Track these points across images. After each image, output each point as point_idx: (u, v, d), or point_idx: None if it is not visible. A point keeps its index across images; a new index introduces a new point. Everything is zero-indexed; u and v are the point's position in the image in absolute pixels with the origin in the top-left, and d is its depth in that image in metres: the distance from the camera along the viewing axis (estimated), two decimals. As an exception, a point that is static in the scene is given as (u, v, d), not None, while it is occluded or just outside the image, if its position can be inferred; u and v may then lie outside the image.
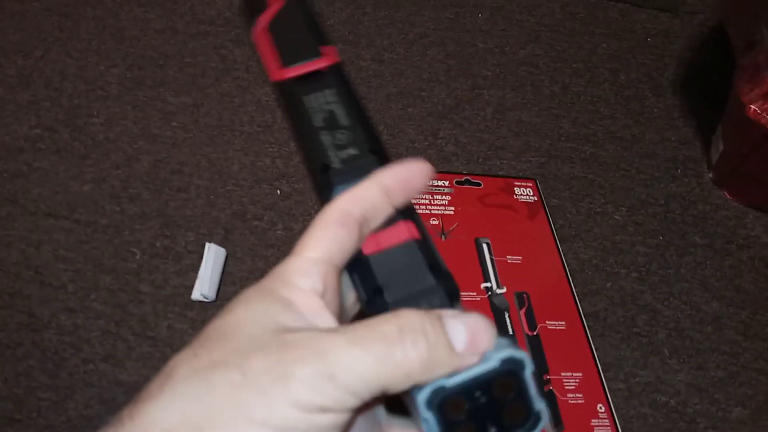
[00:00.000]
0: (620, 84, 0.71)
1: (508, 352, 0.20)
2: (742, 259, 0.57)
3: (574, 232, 0.58)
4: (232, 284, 0.52)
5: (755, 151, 0.57)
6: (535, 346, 0.48)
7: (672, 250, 0.57)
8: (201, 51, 0.69)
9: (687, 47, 0.76)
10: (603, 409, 0.45)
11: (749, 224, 0.60)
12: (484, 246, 0.53)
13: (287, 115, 0.27)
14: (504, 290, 0.51)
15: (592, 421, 0.45)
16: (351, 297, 0.26)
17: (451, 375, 0.19)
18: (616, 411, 0.45)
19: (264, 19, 0.27)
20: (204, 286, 0.50)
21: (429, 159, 0.61)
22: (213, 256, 0.52)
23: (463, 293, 0.48)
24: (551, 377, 0.46)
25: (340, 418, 0.19)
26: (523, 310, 0.50)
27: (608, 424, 0.45)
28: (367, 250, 0.23)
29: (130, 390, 0.46)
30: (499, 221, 0.55)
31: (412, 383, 0.19)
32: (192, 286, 0.51)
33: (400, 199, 0.24)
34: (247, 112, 0.64)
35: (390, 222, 0.24)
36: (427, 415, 0.19)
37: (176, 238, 0.54)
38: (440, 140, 0.64)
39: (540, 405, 0.20)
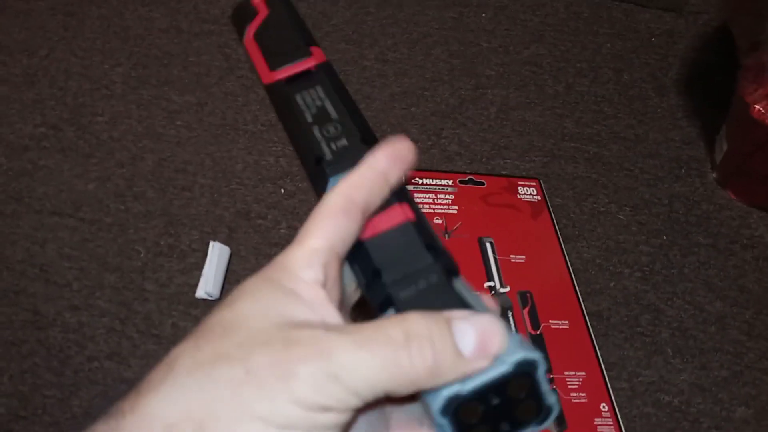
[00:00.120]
0: (624, 84, 0.71)
1: (522, 354, 0.19)
2: (746, 259, 0.57)
3: (577, 232, 0.58)
4: (236, 282, 0.52)
5: (759, 151, 0.56)
6: (539, 345, 0.48)
7: (675, 249, 0.57)
8: (205, 50, 0.69)
9: (691, 47, 0.76)
10: (606, 409, 0.45)
11: (753, 224, 0.60)
12: (488, 245, 0.53)
13: (280, 116, 0.28)
14: (507, 289, 0.51)
15: (596, 420, 0.45)
16: (352, 284, 0.25)
17: (464, 380, 0.19)
18: (619, 410, 0.45)
19: (252, 28, 0.28)
20: (208, 285, 0.50)
21: (432, 158, 0.62)
22: (217, 255, 0.52)
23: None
24: (554, 376, 0.46)
25: (343, 417, 0.19)
26: (527, 309, 0.50)
27: (611, 423, 0.45)
28: (364, 235, 0.24)
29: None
30: (502, 220, 0.55)
31: (418, 389, 0.19)
32: (196, 285, 0.51)
33: (395, 179, 0.24)
34: (251, 111, 0.64)
35: (385, 206, 0.24)
36: (442, 422, 0.19)
37: (180, 236, 0.54)
38: (444, 140, 0.64)
39: (551, 399, 0.20)
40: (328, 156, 0.25)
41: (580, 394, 0.46)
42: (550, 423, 0.20)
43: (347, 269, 0.25)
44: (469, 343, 0.19)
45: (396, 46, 0.72)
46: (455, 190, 0.57)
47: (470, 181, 0.58)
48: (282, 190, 0.58)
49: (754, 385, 0.49)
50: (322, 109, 0.26)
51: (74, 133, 0.61)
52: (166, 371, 0.19)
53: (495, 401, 0.19)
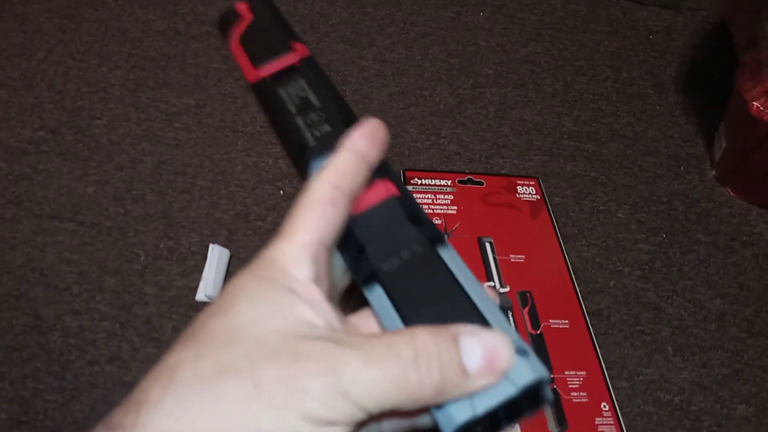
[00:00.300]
0: (622, 81, 0.71)
1: (533, 377, 0.19)
2: (745, 256, 0.57)
3: (577, 231, 0.58)
4: (236, 285, 0.52)
5: (758, 148, 0.56)
6: (539, 345, 0.48)
7: (675, 247, 0.57)
8: (203, 52, 0.69)
9: (689, 44, 0.75)
10: (607, 408, 0.45)
11: (753, 221, 0.60)
12: (487, 245, 0.53)
13: (266, 111, 0.28)
14: (507, 289, 0.51)
15: (596, 419, 0.45)
16: (340, 269, 0.25)
17: (472, 398, 0.19)
18: (620, 409, 0.46)
19: (237, 33, 0.29)
20: (208, 287, 0.50)
21: (431, 158, 0.62)
22: (217, 257, 0.52)
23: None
24: (555, 376, 0.46)
25: (348, 429, 0.19)
26: (527, 309, 0.50)
27: (612, 422, 0.45)
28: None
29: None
30: (501, 220, 0.55)
31: (424, 405, 0.19)
32: (196, 288, 0.51)
33: (374, 159, 0.24)
34: (249, 113, 0.64)
35: (367, 183, 0.24)
36: None
37: (180, 239, 0.54)
38: (443, 139, 0.64)
39: (549, 395, 0.20)
40: (311, 143, 0.25)
41: (581, 393, 0.46)
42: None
43: (337, 255, 0.25)
44: (476, 361, 0.19)
45: (394, 46, 0.72)
46: (454, 190, 0.57)
47: (469, 180, 0.58)
48: (281, 192, 0.58)
49: (754, 382, 0.49)
50: (304, 100, 0.27)
51: (73, 136, 0.61)
52: (166, 382, 0.18)
53: (501, 414, 0.20)
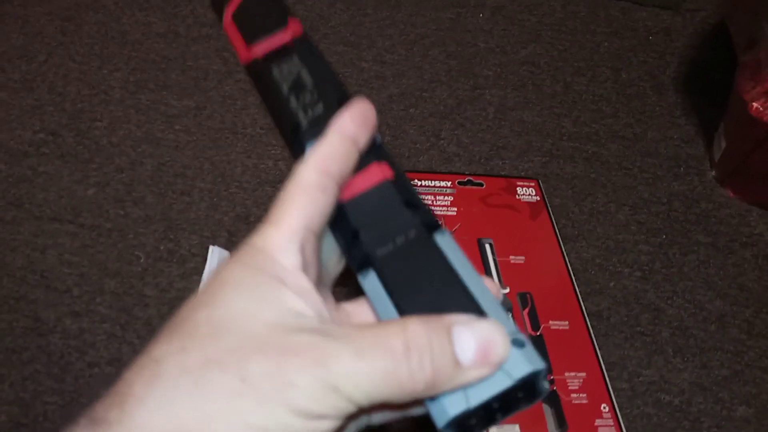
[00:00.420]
0: (622, 82, 0.71)
1: (529, 369, 0.19)
2: (745, 257, 0.57)
3: (576, 232, 0.58)
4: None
5: (758, 149, 0.56)
6: (539, 346, 0.48)
7: (675, 248, 0.57)
8: (203, 54, 0.69)
9: (688, 45, 0.75)
10: (607, 409, 0.45)
11: (753, 222, 0.60)
12: (487, 246, 0.53)
13: (259, 92, 0.27)
14: (507, 290, 0.51)
15: (596, 421, 0.45)
16: (333, 257, 0.25)
17: (466, 390, 0.19)
18: (620, 411, 0.45)
19: (230, 11, 0.28)
20: (208, 289, 0.50)
21: (431, 160, 0.62)
22: (217, 259, 0.52)
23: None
24: (555, 377, 0.46)
25: (337, 422, 0.18)
26: (527, 311, 0.50)
27: (612, 423, 0.45)
28: (342, 197, 0.23)
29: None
30: (501, 221, 0.55)
31: (416, 399, 0.19)
32: (196, 289, 0.51)
33: (363, 142, 0.23)
34: (249, 115, 0.64)
35: (362, 165, 0.24)
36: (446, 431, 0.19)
37: (180, 241, 0.54)
38: (442, 141, 0.64)
39: (545, 386, 0.20)
40: (305, 124, 0.25)
41: (581, 395, 0.46)
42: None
43: (327, 241, 0.24)
44: (469, 353, 0.18)
45: (394, 48, 0.72)
46: (454, 191, 0.57)
47: (469, 182, 0.58)
48: (281, 194, 0.58)
49: (754, 383, 0.49)
50: (298, 79, 0.26)
51: (73, 138, 0.61)
52: (151, 376, 0.18)
53: (495, 406, 0.19)
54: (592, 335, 0.49)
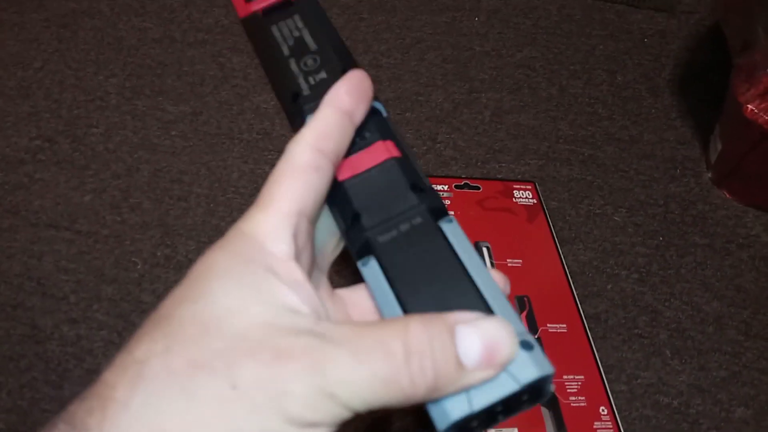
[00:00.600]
0: (617, 85, 0.71)
1: (536, 372, 0.18)
2: (742, 259, 0.57)
3: (573, 234, 0.58)
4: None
5: (753, 151, 0.57)
6: (537, 349, 0.48)
7: (672, 250, 0.57)
8: (199, 59, 0.69)
9: (684, 47, 0.76)
10: (605, 412, 0.45)
11: (749, 223, 0.60)
12: (484, 250, 0.53)
13: (256, 50, 0.25)
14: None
15: (595, 423, 0.45)
16: (332, 239, 0.23)
17: (469, 392, 0.18)
18: (618, 413, 0.45)
19: None
20: (205, 295, 0.50)
21: (428, 164, 0.62)
22: (214, 265, 0.52)
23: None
24: (553, 380, 0.46)
25: (332, 429, 0.18)
26: (524, 314, 0.50)
27: (611, 426, 0.45)
28: (344, 176, 0.21)
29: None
30: (498, 225, 0.56)
31: (416, 403, 0.18)
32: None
33: (360, 118, 0.22)
34: (246, 120, 0.64)
35: (366, 143, 0.22)
36: None
37: (177, 247, 0.54)
38: (439, 144, 0.64)
39: (551, 389, 0.19)
40: (306, 91, 0.23)
41: (579, 397, 0.46)
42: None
43: (324, 222, 0.23)
44: (474, 354, 0.17)
45: (389, 52, 0.72)
46: (451, 195, 0.57)
47: (466, 185, 0.58)
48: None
49: (752, 385, 0.49)
50: (299, 41, 0.24)
51: (69, 145, 0.61)
52: (134, 378, 0.17)
53: (499, 408, 0.18)
54: (590, 338, 0.49)
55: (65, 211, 0.56)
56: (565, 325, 0.50)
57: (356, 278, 0.24)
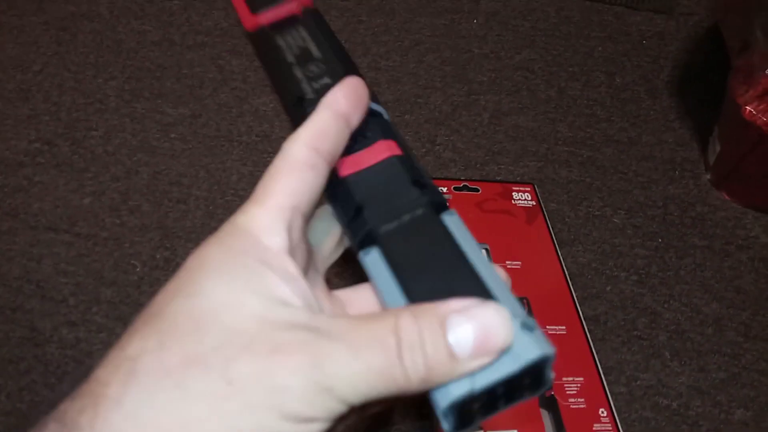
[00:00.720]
0: (616, 87, 0.71)
1: (537, 354, 0.18)
2: (741, 260, 0.57)
3: (572, 236, 0.58)
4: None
5: (752, 152, 0.57)
6: (536, 351, 0.48)
7: (671, 252, 0.57)
8: (198, 62, 0.69)
9: (682, 49, 0.76)
10: (605, 414, 0.45)
11: (748, 225, 0.60)
12: (483, 252, 0.53)
13: (261, 61, 0.26)
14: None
15: (594, 425, 0.45)
16: (328, 243, 0.24)
17: (474, 376, 0.18)
18: (618, 415, 0.45)
19: None
20: (205, 298, 0.50)
21: (427, 166, 0.62)
22: (213, 267, 0.52)
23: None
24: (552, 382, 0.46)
25: (328, 424, 0.18)
26: (523, 316, 0.50)
27: (610, 428, 0.45)
28: (346, 172, 0.22)
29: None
30: (497, 227, 0.56)
31: (411, 395, 0.18)
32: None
33: (356, 122, 0.22)
34: (245, 122, 0.64)
35: (368, 142, 0.23)
36: (447, 418, 0.18)
37: (176, 249, 0.54)
38: (438, 146, 0.64)
39: (550, 375, 0.19)
40: (310, 95, 0.23)
41: (579, 399, 0.46)
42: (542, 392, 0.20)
43: (322, 226, 0.23)
44: (466, 344, 0.17)
45: (388, 54, 0.72)
46: (450, 197, 0.57)
47: (465, 187, 0.58)
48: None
49: (752, 386, 0.49)
50: (304, 50, 0.25)
51: (69, 147, 0.61)
52: (127, 375, 0.16)
53: (500, 391, 0.18)
54: (590, 340, 0.49)
55: (64, 213, 0.56)
56: (564, 327, 0.50)
57: (356, 280, 0.24)
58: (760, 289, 0.55)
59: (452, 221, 0.22)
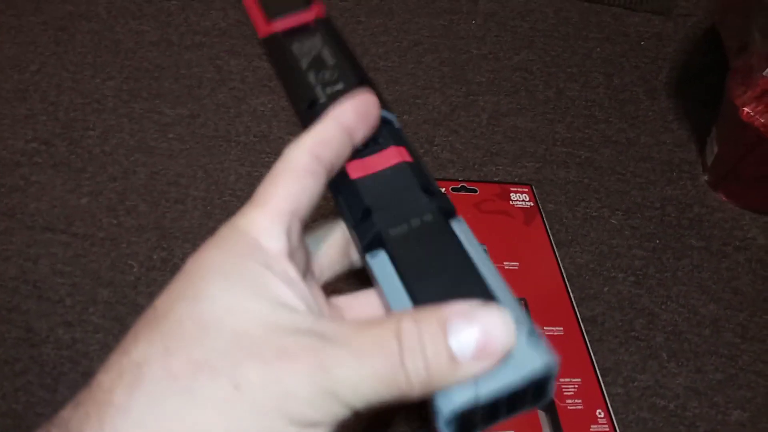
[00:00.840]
0: (614, 88, 0.71)
1: (543, 363, 0.18)
2: (739, 261, 0.57)
3: (570, 237, 0.58)
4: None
5: (750, 154, 0.57)
6: (533, 352, 0.48)
7: (669, 253, 0.57)
8: (196, 62, 0.69)
9: (680, 50, 0.76)
10: (602, 415, 0.45)
11: (746, 226, 0.60)
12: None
13: (274, 66, 0.27)
14: (501, 297, 0.51)
15: (592, 426, 0.45)
16: (331, 254, 0.24)
17: (474, 385, 0.17)
18: (615, 416, 0.45)
19: None
20: (202, 298, 0.50)
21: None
22: (210, 268, 0.52)
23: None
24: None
25: (331, 428, 0.18)
26: (521, 317, 0.50)
27: (607, 429, 0.45)
28: (356, 175, 0.22)
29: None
30: (495, 227, 0.56)
31: (414, 400, 0.18)
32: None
33: (359, 139, 0.22)
34: (243, 123, 0.64)
35: (379, 147, 0.23)
36: (449, 427, 0.18)
37: (174, 250, 0.54)
38: (436, 147, 0.64)
39: (553, 387, 0.19)
40: (323, 99, 0.24)
41: (576, 400, 0.46)
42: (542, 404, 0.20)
43: (325, 238, 0.23)
44: (468, 347, 0.17)
45: (387, 55, 0.72)
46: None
47: (463, 188, 0.58)
48: (275, 201, 0.58)
49: (749, 388, 0.49)
50: (318, 57, 0.25)
51: (66, 147, 0.61)
52: (133, 382, 0.16)
53: (503, 401, 0.18)
54: (587, 341, 0.49)
55: (61, 213, 0.56)
56: (561, 328, 0.50)
57: (357, 286, 0.24)
58: (758, 291, 0.55)
59: (461, 228, 0.22)
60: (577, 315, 0.51)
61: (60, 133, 0.62)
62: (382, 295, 0.21)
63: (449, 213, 0.22)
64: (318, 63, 0.25)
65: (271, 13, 0.26)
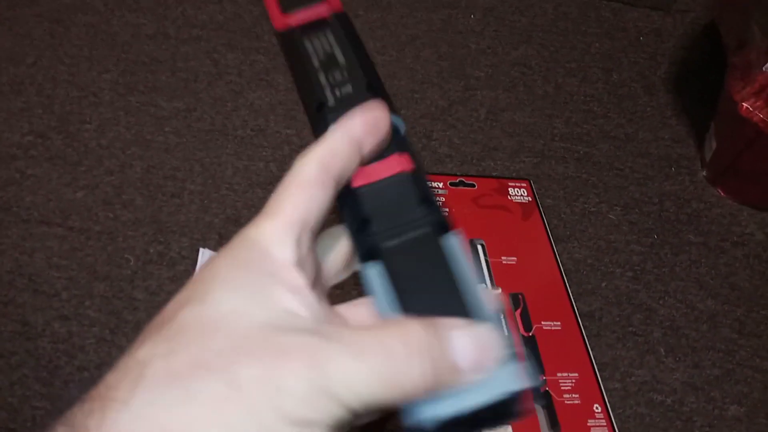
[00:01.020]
0: (613, 83, 0.71)
1: (522, 383, 0.19)
2: (736, 257, 0.57)
3: (568, 232, 0.58)
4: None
5: (748, 149, 0.57)
6: (531, 347, 0.48)
7: (667, 248, 0.57)
8: (193, 56, 0.69)
9: (679, 45, 0.76)
10: (599, 410, 0.45)
11: (743, 221, 0.60)
12: (479, 247, 0.53)
13: (287, 61, 0.27)
14: (499, 291, 0.51)
15: (589, 421, 0.45)
16: (337, 261, 0.24)
17: (446, 398, 0.18)
18: (612, 411, 0.45)
19: None
20: (198, 292, 0.50)
21: (423, 161, 0.61)
22: (207, 262, 0.51)
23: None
24: (547, 378, 0.46)
25: (328, 429, 0.18)
26: (519, 311, 0.50)
27: (605, 424, 0.45)
28: (357, 183, 0.23)
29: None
30: (493, 222, 0.55)
31: (411, 401, 0.18)
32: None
33: (368, 151, 0.22)
34: (240, 116, 0.64)
35: (383, 154, 0.23)
36: None
37: (170, 243, 0.54)
38: (434, 142, 0.64)
39: (522, 408, 0.19)
40: (331, 102, 0.24)
41: (573, 395, 0.46)
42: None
43: (332, 246, 0.24)
44: (468, 357, 0.18)
45: (385, 49, 0.72)
46: (446, 192, 0.57)
47: (461, 183, 0.58)
48: (272, 196, 0.58)
49: (746, 383, 0.50)
50: (330, 56, 0.25)
51: (62, 141, 0.60)
52: (135, 379, 0.17)
53: (483, 415, 0.19)
54: (585, 336, 0.49)
55: (57, 207, 0.56)
56: (559, 323, 0.50)
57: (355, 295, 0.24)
58: (755, 286, 0.55)
59: (451, 244, 0.22)
60: (575, 310, 0.51)
61: (56, 126, 0.62)
62: (373, 305, 0.22)
63: (443, 227, 0.23)
64: (330, 62, 0.25)
65: (287, 6, 0.26)
